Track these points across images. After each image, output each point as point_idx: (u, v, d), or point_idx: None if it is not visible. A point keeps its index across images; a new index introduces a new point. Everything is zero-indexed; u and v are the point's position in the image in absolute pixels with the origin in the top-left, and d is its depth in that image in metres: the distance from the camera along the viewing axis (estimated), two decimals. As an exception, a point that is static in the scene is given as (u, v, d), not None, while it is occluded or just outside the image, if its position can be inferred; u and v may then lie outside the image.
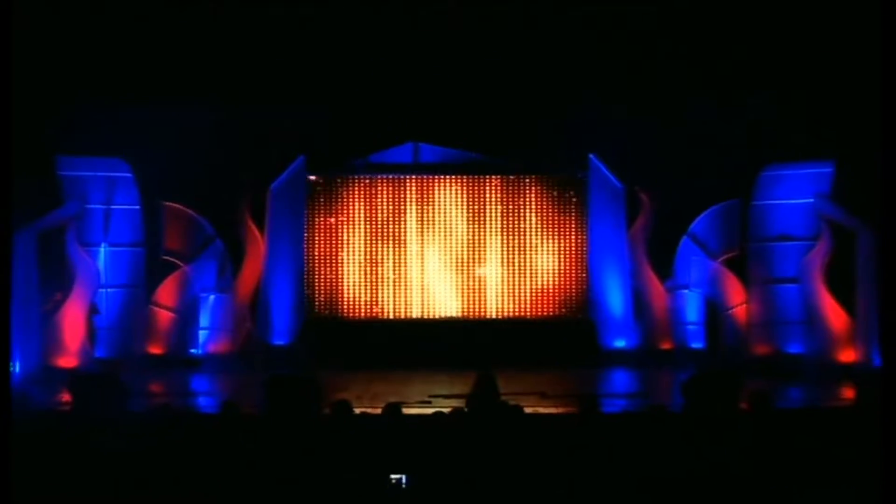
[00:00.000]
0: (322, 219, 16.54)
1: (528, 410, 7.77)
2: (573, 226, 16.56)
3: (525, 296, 16.57)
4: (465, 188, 16.60)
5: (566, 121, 15.08)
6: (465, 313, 16.53)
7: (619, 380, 14.95)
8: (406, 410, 7.60)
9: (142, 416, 6.88)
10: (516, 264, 16.56)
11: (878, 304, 13.37)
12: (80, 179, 14.84)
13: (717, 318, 15.80)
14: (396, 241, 16.54)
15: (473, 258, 16.57)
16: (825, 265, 14.55)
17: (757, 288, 15.32)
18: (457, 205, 16.58)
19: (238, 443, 5.99)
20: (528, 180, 16.60)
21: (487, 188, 16.60)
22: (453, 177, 16.59)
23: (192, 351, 15.71)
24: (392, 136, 16.13)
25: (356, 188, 16.60)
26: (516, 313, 16.56)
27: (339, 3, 13.81)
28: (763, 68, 14.00)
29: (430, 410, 8.35)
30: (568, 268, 16.57)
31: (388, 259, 16.53)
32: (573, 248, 16.55)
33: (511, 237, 16.57)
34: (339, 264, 16.55)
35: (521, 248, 16.57)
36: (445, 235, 16.57)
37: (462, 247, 16.56)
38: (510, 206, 16.58)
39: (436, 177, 16.59)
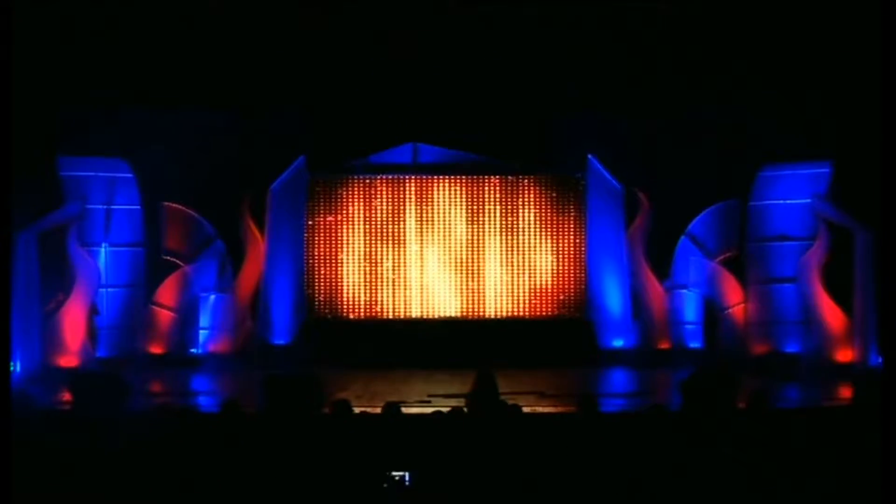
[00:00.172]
0: (322, 218, 16.57)
1: (526, 410, 7.80)
2: (572, 226, 16.60)
3: (524, 295, 16.60)
4: (464, 188, 16.63)
5: (565, 121, 15.10)
6: (465, 313, 16.57)
7: (618, 379, 14.98)
8: (405, 410, 7.63)
9: (142, 416, 6.90)
10: (515, 264, 16.60)
11: (877, 304, 13.43)
12: (81, 180, 14.87)
13: (715, 317, 15.84)
14: (396, 241, 16.58)
15: (472, 258, 16.60)
16: (822, 265, 14.59)
17: (755, 288, 15.36)
18: (456, 205, 16.61)
19: (238, 442, 6.01)
20: (526, 181, 16.63)
21: (486, 188, 16.63)
22: (452, 177, 16.63)
23: (193, 351, 15.74)
24: (391, 137, 16.15)
25: (356, 188, 16.63)
26: (515, 313, 16.59)
27: (339, 3, 13.83)
28: (761, 68, 14.02)
29: (429, 410, 8.38)
30: (566, 268, 16.60)
31: (387, 259, 16.57)
32: (572, 248, 16.58)
33: (510, 237, 16.61)
34: (339, 264, 16.58)
35: (520, 248, 16.60)
36: (445, 235, 16.61)
37: (461, 247, 16.60)
38: (509, 207, 16.61)
39: (435, 177, 16.63)
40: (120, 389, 6.56)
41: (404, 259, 16.57)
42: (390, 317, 16.54)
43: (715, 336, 15.73)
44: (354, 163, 16.52)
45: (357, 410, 7.24)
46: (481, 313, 16.58)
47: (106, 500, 5.55)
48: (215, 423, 6.92)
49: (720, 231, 15.77)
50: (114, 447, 5.82)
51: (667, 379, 13.67)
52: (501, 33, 14.12)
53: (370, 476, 5.77)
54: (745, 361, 14.73)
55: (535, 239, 16.62)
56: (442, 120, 15.53)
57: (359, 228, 16.59)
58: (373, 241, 16.58)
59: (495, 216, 16.61)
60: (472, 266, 16.61)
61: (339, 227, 16.59)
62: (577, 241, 16.57)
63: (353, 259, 16.58)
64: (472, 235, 16.62)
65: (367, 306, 16.61)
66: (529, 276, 16.60)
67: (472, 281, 16.61)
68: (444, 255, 16.59)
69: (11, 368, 12.75)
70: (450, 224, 16.61)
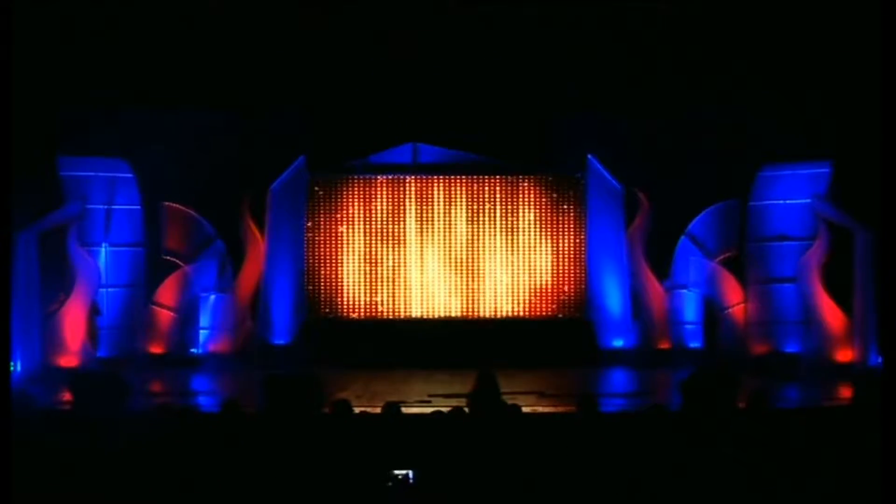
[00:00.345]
0: (322, 219, 16.58)
1: (526, 410, 7.80)
2: (572, 226, 16.60)
3: (524, 295, 16.61)
4: (464, 188, 16.64)
5: (565, 121, 15.11)
6: (465, 313, 16.57)
7: (618, 379, 14.98)
8: (405, 410, 7.63)
9: (142, 416, 6.90)
10: (515, 264, 16.61)
11: (877, 304, 13.43)
12: (82, 180, 14.87)
13: (715, 317, 15.84)
14: (396, 241, 16.58)
15: (472, 258, 16.61)
16: (822, 265, 14.59)
17: (755, 287, 15.36)
18: (456, 205, 16.62)
19: (238, 442, 6.01)
20: (526, 180, 16.63)
21: (486, 188, 16.64)
22: (452, 177, 16.63)
23: (193, 351, 15.74)
24: (391, 137, 16.15)
25: (356, 188, 16.64)
26: (515, 313, 16.60)
27: (339, 3, 13.84)
28: (761, 69, 14.02)
29: (429, 409, 8.38)
30: (566, 267, 16.61)
31: (387, 259, 16.57)
32: (572, 248, 16.59)
33: (510, 237, 16.61)
34: (339, 264, 16.58)
35: (520, 248, 16.61)
36: (444, 235, 16.61)
37: (461, 247, 16.60)
38: (509, 207, 16.62)
39: (435, 177, 16.63)
40: (120, 389, 6.55)
41: (404, 259, 16.58)
42: (390, 317, 16.55)
43: (715, 336, 15.73)
44: (354, 163, 16.52)
45: (357, 410, 7.24)
46: (481, 313, 16.58)
47: (106, 500, 5.55)
48: (215, 423, 6.92)
49: (720, 231, 15.77)
50: (114, 447, 5.82)
51: (667, 379, 13.67)
52: (501, 33, 14.12)
53: (370, 476, 5.77)
54: (745, 361, 14.72)
55: (535, 239, 16.63)
56: (442, 120, 15.54)
57: (359, 228, 16.60)
58: (373, 241, 16.58)
59: (495, 216, 16.62)
60: (472, 266, 16.61)
61: (339, 226, 16.60)
62: (577, 241, 16.57)
63: (353, 259, 16.59)
64: (472, 235, 16.63)
65: (367, 306, 16.61)
66: (529, 276, 16.61)
67: (472, 281, 16.62)
68: (444, 255, 16.60)
69: (11, 368, 12.76)
70: (450, 224, 16.62)
